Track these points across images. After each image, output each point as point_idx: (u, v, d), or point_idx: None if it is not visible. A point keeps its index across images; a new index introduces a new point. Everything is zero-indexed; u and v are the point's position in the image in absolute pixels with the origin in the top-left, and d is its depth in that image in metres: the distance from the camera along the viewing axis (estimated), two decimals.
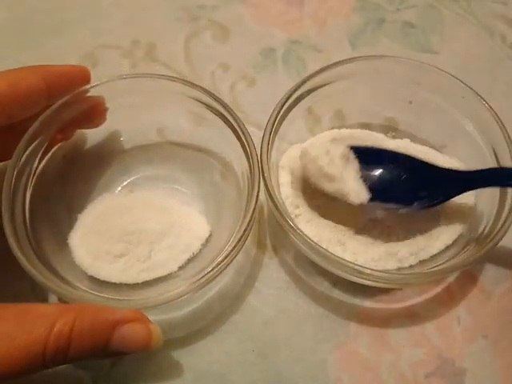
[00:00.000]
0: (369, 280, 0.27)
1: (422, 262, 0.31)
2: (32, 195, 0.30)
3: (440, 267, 0.28)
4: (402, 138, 0.35)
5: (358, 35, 0.43)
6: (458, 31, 0.43)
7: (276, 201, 0.28)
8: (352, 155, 0.31)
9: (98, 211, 0.32)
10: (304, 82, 0.32)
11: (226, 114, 0.30)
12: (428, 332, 0.31)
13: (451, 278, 0.32)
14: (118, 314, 0.24)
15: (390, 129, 0.36)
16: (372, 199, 0.30)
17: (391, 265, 0.30)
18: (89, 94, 0.31)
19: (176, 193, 0.33)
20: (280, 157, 0.33)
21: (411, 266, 0.30)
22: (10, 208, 0.28)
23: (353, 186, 0.30)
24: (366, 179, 0.30)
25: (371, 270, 0.26)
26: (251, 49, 0.42)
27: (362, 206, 0.30)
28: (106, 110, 0.32)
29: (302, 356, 0.30)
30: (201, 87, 0.31)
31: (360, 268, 0.26)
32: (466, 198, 0.32)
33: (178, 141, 0.35)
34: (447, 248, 0.31)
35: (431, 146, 0.35)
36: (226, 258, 0.26)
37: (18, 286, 0.31)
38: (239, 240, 0.27)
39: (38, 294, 0.31)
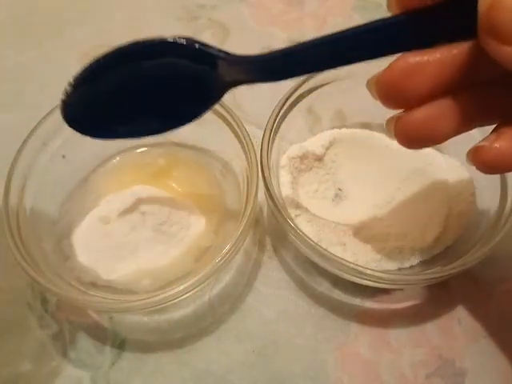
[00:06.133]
0: (369, 280, 0.27)
1: (422, 263, 0.31)
2: (32, 195, 0.30)
3: (440, 267, 0.28)
4: None
5: None
6: None
7: (276, 201, 0.28)
8: None
9: (98, 213, 0.32)
10: (304, 81, 0.32)
11: (225, 114, 0.31)
12: (428, 332, 0.31)
13: (451, 278, 0.32)
14: None
15: None
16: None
17: (392, 265, 0.30)
18: None
19: (176, 193, 0.33)
20: (280, 157, 0.33)
21: (412, 267, 0.30)
22: (9, 207, 0.28)
23: None
24: None
25: (372, 270, 0.26)
26: (251, 48, 0.41)
27: None
28: None
29: (302, 356, 0.30)
30: None
31: (361, 268, 0.26)
32: (466, 198, 0.32)
33: (177, 141, 0.35)
34: (447, 248, 0.31)
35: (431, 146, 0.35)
36: (224, 257, 0.26)
37: (18, 285, 0.31)
38: (238, 240, 0.27)
39: (37, 294, 0.31)
